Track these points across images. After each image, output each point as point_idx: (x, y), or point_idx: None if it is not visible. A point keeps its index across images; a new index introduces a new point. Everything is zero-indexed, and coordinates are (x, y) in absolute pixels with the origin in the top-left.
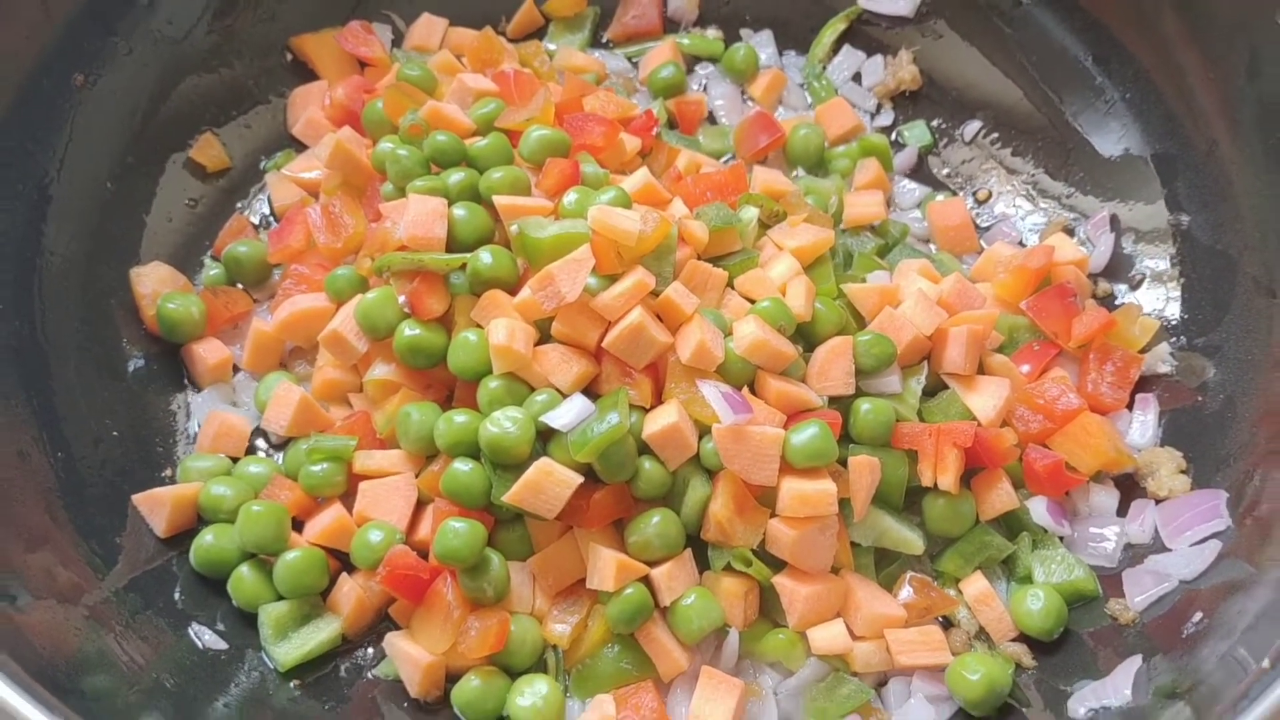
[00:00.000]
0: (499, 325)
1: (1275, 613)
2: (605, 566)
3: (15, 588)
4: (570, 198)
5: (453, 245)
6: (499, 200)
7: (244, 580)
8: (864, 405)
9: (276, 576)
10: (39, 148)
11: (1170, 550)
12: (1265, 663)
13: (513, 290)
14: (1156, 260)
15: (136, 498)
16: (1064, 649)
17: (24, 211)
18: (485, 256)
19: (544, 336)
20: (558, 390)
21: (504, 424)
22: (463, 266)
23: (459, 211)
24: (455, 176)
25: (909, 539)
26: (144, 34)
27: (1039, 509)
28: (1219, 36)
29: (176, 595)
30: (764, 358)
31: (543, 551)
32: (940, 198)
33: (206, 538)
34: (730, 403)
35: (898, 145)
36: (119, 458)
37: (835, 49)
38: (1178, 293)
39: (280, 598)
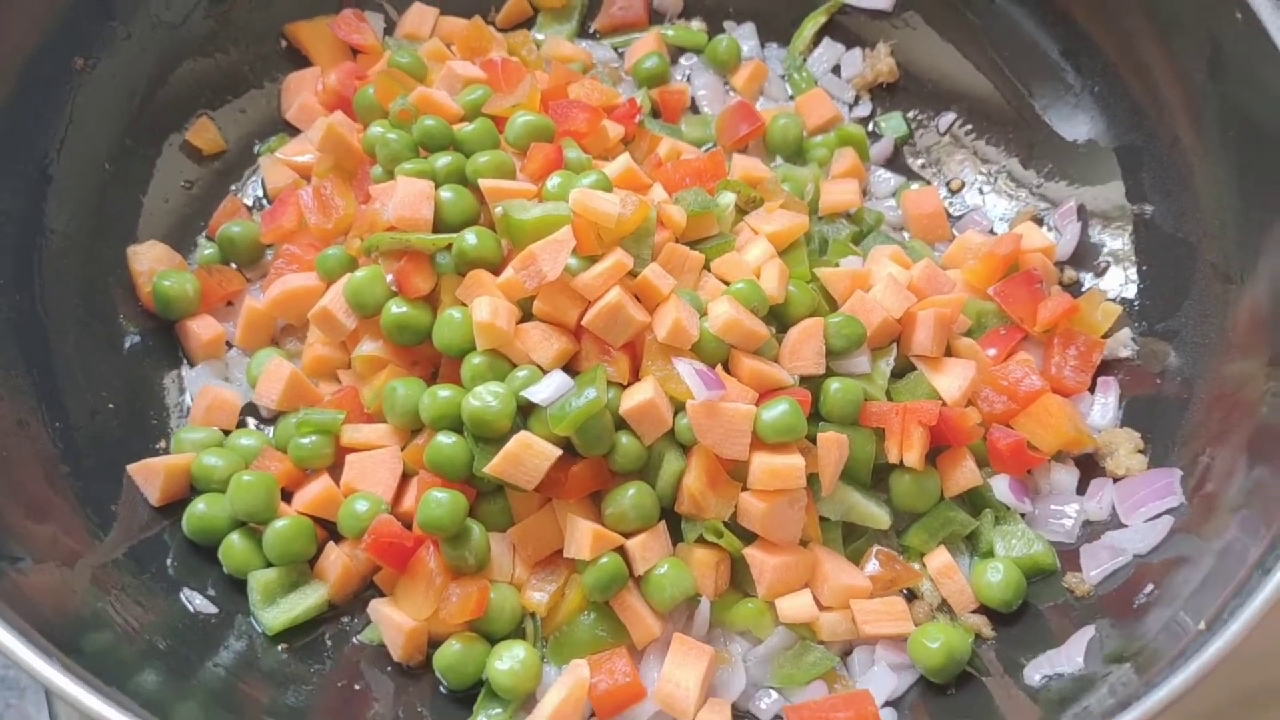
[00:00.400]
0: (482, 303)
1: (1216, 580)
2: (582, 536)
3: (18, 550)
4: (553, 181)
5: (439, 226)
6: (484, 183)
7: (234, 547)
8: (834, 384)
9: (266, 544)
10: (40, 129)
11: (1126, 526)
12: (1201, 625)
13: (497, 270)
14: (1119, 248)
15: (132, 467)
16: (1022, 620)
17: (25, 190)
18: (470, 237)
19: (526, 315)
20: (538, 366)
21: (486, 398)
22: (448, 246)
23: (446, 194)
24: (443, 160)
25: (876, 514)
26: (143, 19)
27: (1001, 486)
28: (1182, 31)
29: (169, 562)
30: (737, 337)
31: (522, 522)
32: (915, 187)
33: (199, 506)
34: (704, 380)
35: (874, 136)
36: (115, 429)
37: (815, 41)
38: (1139, 279)
39: (269, 565)
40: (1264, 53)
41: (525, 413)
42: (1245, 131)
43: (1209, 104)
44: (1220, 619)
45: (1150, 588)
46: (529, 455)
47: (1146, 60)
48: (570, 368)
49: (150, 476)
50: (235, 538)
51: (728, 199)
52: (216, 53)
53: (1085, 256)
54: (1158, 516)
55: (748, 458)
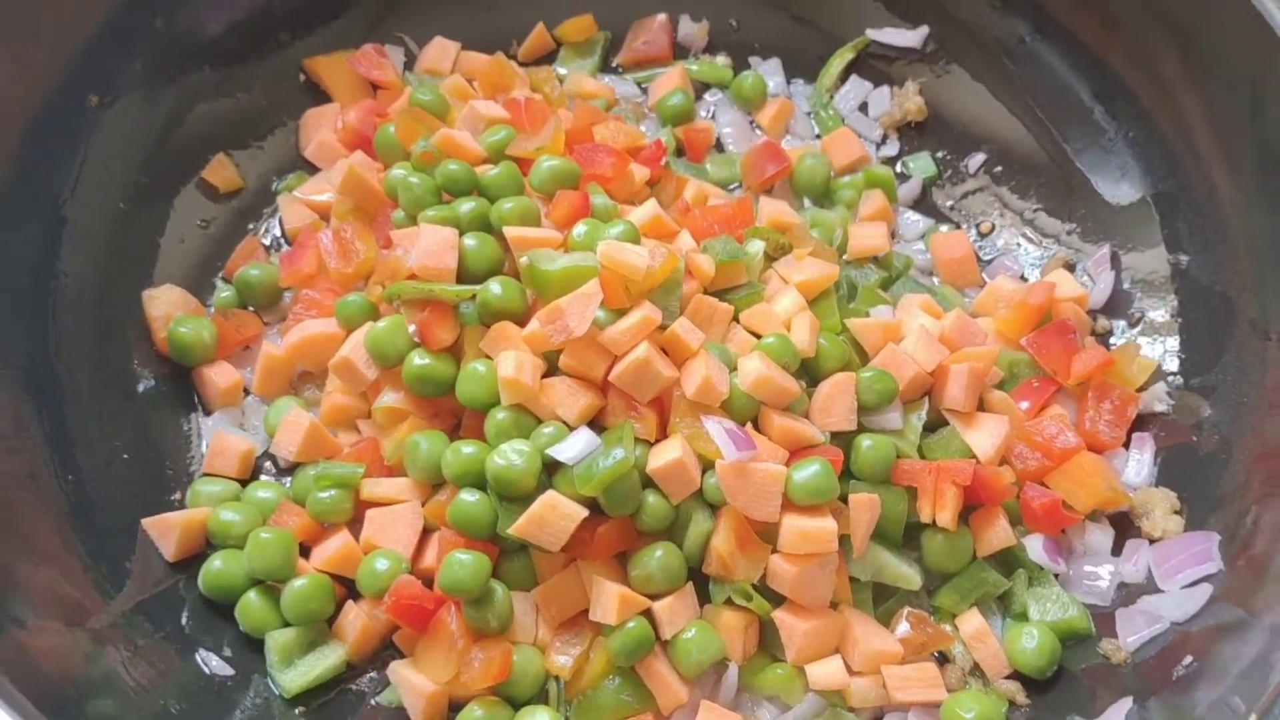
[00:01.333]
0: (507, 357)
1: (1267, 660)
2: (608, 600)
3: (22, 610)
4: (579, 230)
5: (463, 275)
6: (509, 231)
7: (251, 606)
8: (865, 442)
9: (283, 603)
10: (54, 168)
11: (1163, 591)
12: (1252, 717)
13: (522, 321)
14: (1155, 299)
15: (146, 522)
16: (1057, 687)
17: (39, 232)
18: (495, 288)
19: (551, 368)
20: (564, 423)
21: (510, 457)
22: (473, 297)
23: (469, 241)
24: (466, 206)
25: (907, 574)
26: (160, 56)
27: (1035, 546)
28: (1221, 79)
29: (184, 620)
30: (768, 394)
31: (546, 582)
32: (944, 229)
33: (215, 564)
34: (734, 439)
35: (902, 176)
36: (129, 480)
37: (843, 79)
38: (1176, 332)
39: (287, 624)
40: None
41: (550, 470)
42: None
43: (1248, 154)
44: (1272, 711)
45: (1190, 659)
46: (555, 516)
47: (1182, 106)
48: (596, 423)
49: (165, 531)
50: (252, 596)
51: (756, 247)
52: (235, 90)
53: (1119, 306)
54: (1195, 583)
55: (778, 519)
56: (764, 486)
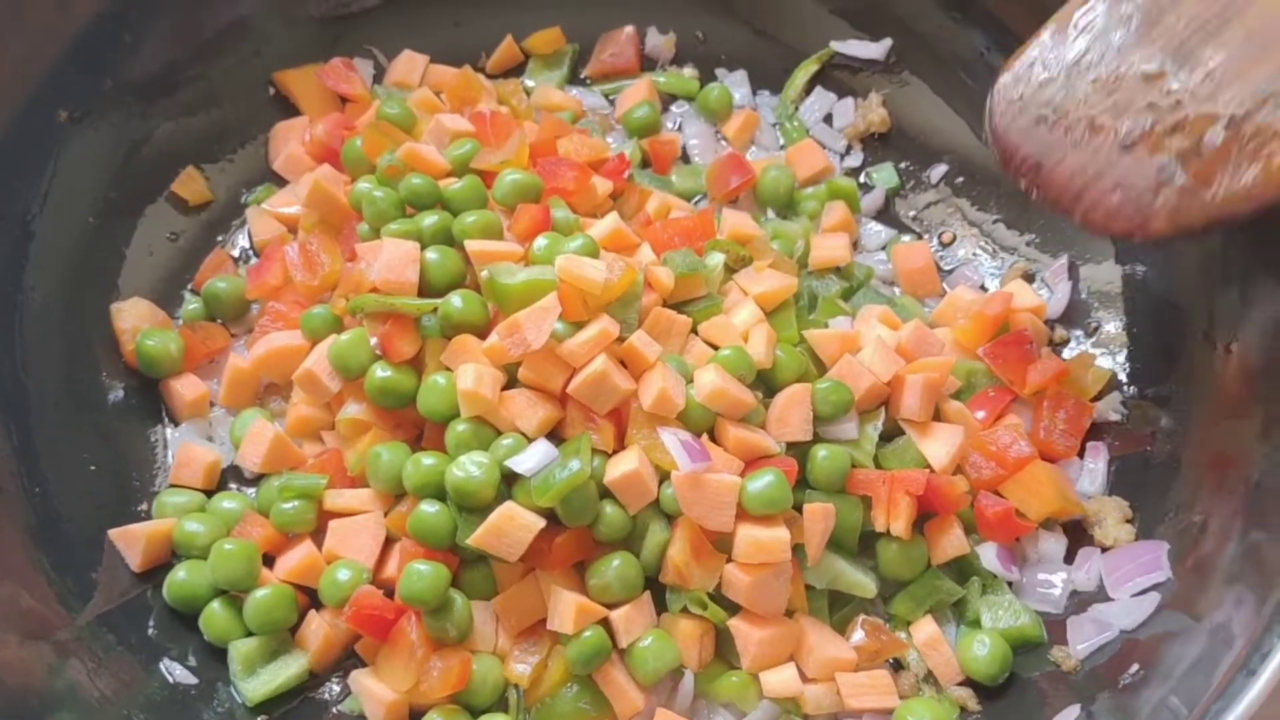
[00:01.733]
0: (467, 371)
1: (1206, 663)
2: (565, 609)
3: None
4: (540, 244)
5: (425, 288)
6: (471, 245)
7: (215, 616)
8: (821, 452)
9: (246, 613)
10: (23, 183)
11: (1113, 600)
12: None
13: (483, 334)
14: (1110, 309)
15: (113, 533)
16: (1008, 694)
17: (7, 247)
18: (456, 301)
19: (512, 380)
20: (523, 434)
21: (469, 469)
22: (434, 310)
23: (431, 255)
24: (429, 220)
25: (862, 583)
26: (129, 72)
27: (989, 555)
28: None
29: (150, 629)
30: (724, 405)
31: (505, 592)
32: (905, 239)
33: (179, 574)
34: (689, 451)
35: (865, 187)
36: (96, 492)
37: (808, 90)
38: (1130, 342)
39: (250, 633)
40: None
41: (509, 481)
42: None
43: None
44: (1210, 710)
45: (1136, 667)
46: (512, 527)
47: None
48: (555, 434)
49: (131, 542)
50: (216, 606)
51: (716, 260)
52: (206, 105)
53: (1076, 316)
54: (1144, 592)
55: (733, 529)
56: (718, 497)
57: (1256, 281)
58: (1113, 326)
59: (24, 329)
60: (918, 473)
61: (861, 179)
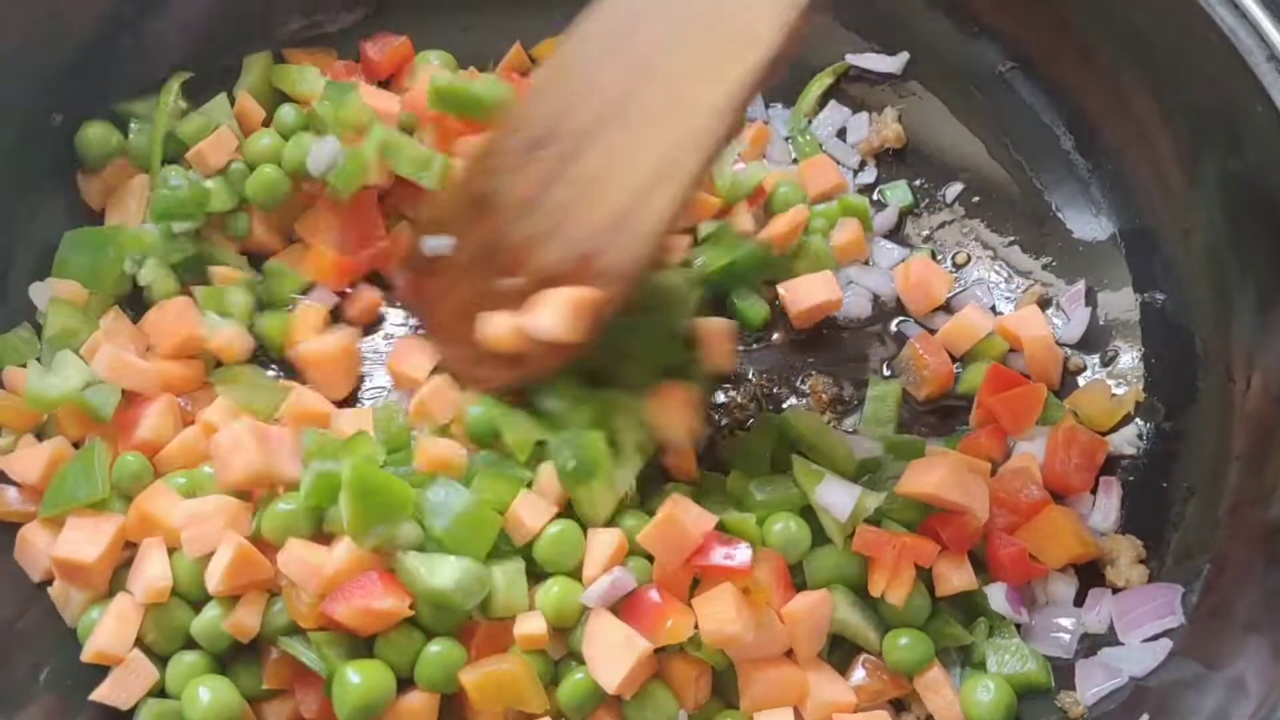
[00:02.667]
0: None
1: (1220, 716)
2: None
3: None
4: None
5: None
6: None
7: None
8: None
9: None
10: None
11: (1123, 644)
12: None
13: None
14: (1127, 339)
15: None
16: None
17: None
18: None
19: None
20: None
21: None
22: None
23: None
24: None
25: (867, 636)
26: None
27: (997, 596)
28: (1195, 118)
29: None
30: None
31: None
32: (916, 257)
33: None
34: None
35: (879, 204)
36: None
37: (821, 104)
38: (1146, 373)
39: None
40: None
41: None
42: (1257, 225)
43: (1218, 195)
44: None
45: (1145, 717)
46: None
47: (1157, 145)
48: None
49: None
50: None
51: None
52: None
53: (1093, 343)
54: (1156, 637)
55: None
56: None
57: (1275, 314)
58: (1129, 356)
59: None
60: (929, 545)
61: (875, 196)
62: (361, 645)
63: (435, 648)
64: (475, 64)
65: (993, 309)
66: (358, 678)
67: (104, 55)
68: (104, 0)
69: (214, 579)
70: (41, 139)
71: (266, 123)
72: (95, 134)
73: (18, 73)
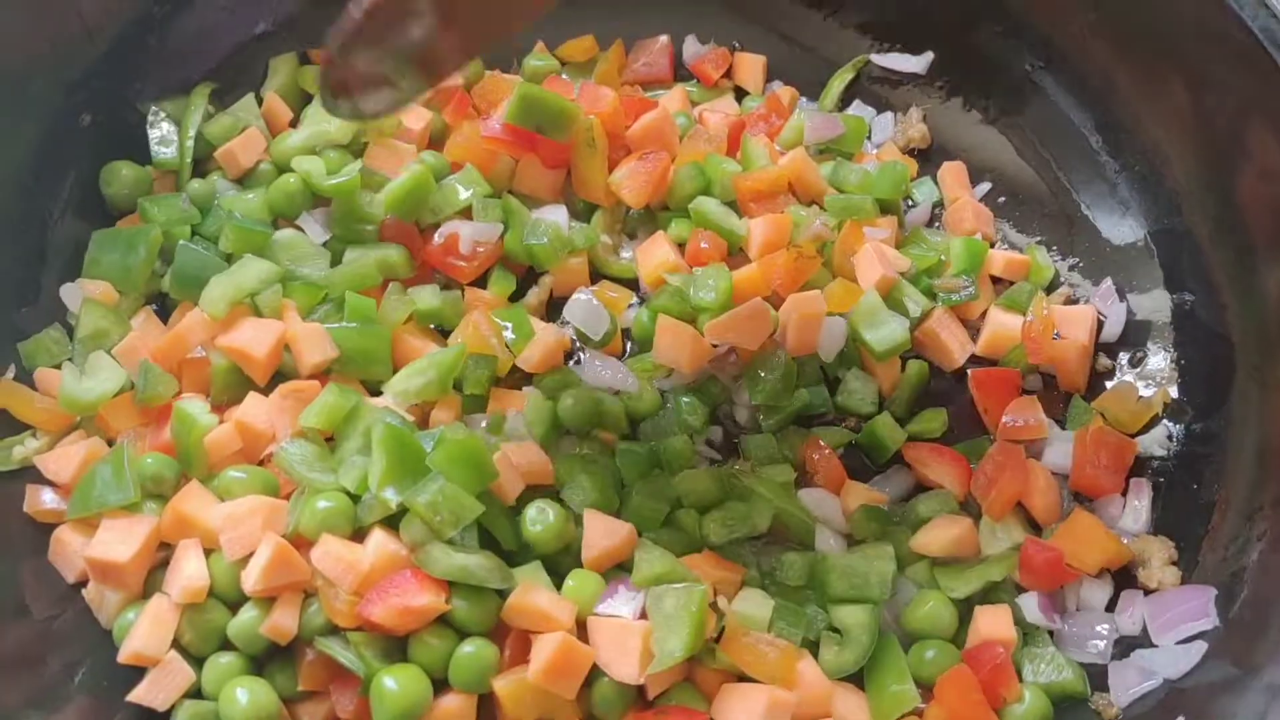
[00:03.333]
0: None
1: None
2: None
3: None
4: None
5: None
6: None
7: None
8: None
9: None
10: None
11: (1156, 646)
12: None
13: None
14: (1157, 340)
15: None
16: None
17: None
18: None
19: None
20: None
21: None
22: None
23: None
24: None
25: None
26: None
27: (1030, 605)
28: (1227, 119)
29: None
30: None
31: None
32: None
33: None
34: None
35: (908, 204)
36: None
37: (846, 103)
38: (1178, 375)
39: None
40: None
41: None
42: None
43: (1251, 196)
44: None
45: (1182, 719)
46: None
47: (1188, 146)
48: None
49: None
50: None
51: None
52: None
53: (1121, 344)
54: (1190, 639)
55: None
56: None
57: None
58: (1158, 358)
59: None
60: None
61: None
62: (396, 648)
63: (469, 648)
64: (498, 63)
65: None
66: (395, 684)
67: (132, 56)
68: (131, 2)
69: (251, 579)
70: (71, 139)
71: (294, 123)
72: (125, 174)
73: (47, 73)
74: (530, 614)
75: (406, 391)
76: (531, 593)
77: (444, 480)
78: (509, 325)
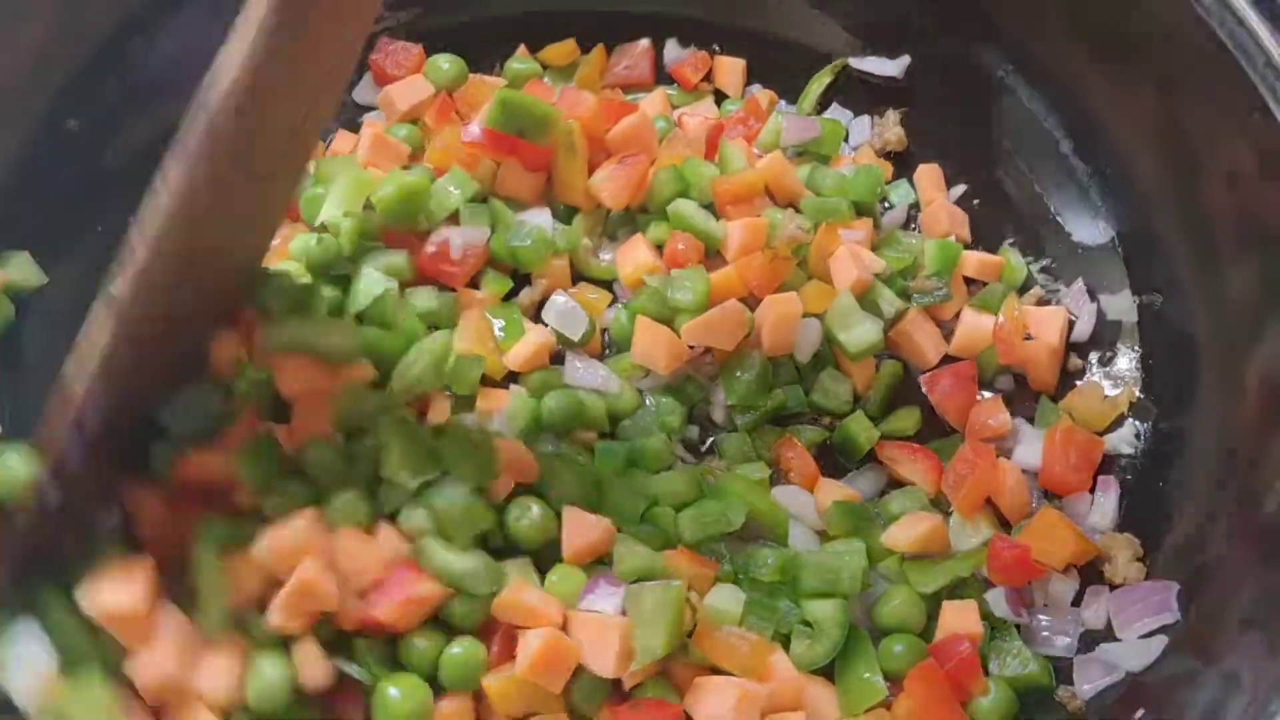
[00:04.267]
0: None
1: (1216, 711)
2: None
3: None
4: None
5: None
6: None
7: None
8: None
9: None
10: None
11: (1120, 640)
12: None
13: None
14: (1125, 341)
15: None
16: None
17: None
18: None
19: None
20: None
21: None
22: None
23: None
24: None
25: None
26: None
27: (998, 599)
28: (1198, 125)
29: None
30: None
31: None
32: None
33: None
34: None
35: (885, 206)
36: None
37: (824, 106)
38: (1144, 375)
39: None
40: None
41: None
42: (1253, 229)
43: (1220, 200)
44: None
45: (1142, 712)
46: None
47: (1158, 151)
48: None
49: None
50: None
51: None
52: None
53: (1090, 344)
54: (1152, 634)
55: None
56: None
57: (1272, 315)
58: (1127, 358)
59: None
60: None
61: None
62: (389, 655)
63: (456, 649)
64: (480, 69)
65: None
66: (397, 692)
67: (119, 60)
68: (119, 4)
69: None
70: (57, 145)
71: None
72: None
73: (32, 77)
74: (520, 610)
75: (404, 378)
76: (522, 589)
77: (464, 487)
78: (500, 322)
